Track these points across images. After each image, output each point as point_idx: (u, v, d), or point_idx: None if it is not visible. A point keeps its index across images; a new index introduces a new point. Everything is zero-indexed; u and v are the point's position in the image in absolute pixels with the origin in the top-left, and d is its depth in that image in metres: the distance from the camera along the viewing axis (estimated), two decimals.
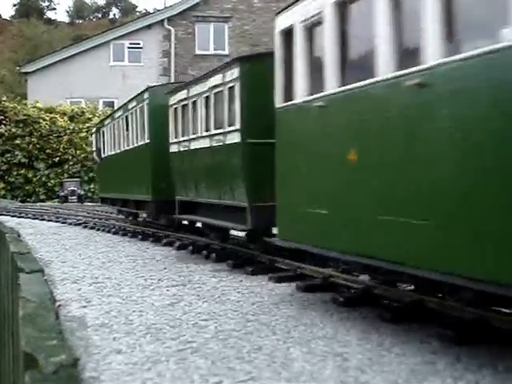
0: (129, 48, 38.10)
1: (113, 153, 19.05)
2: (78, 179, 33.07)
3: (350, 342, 5.44)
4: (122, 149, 17.39)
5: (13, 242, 12.09)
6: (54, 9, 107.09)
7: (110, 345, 5.40)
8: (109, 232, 16.47)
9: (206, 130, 10.99)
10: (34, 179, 33.71)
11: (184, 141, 12.22)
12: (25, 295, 6.49)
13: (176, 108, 12.68)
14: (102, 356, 5.06)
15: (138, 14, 76.18)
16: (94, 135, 23.07)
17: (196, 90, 11.57)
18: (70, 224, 19.27)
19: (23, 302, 6.17)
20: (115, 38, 38.05)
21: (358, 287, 7.38)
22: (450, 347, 5.25)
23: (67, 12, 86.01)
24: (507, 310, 5.93)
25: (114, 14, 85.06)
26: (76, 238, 14.90)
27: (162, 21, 38.11)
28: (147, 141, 14.37)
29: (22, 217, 22.29)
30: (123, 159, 17.46)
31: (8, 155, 33.46)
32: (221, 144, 10.26)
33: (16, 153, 33.45)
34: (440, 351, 5.15)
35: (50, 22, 77.81)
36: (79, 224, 18.93)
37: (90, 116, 34.93)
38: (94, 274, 9.34)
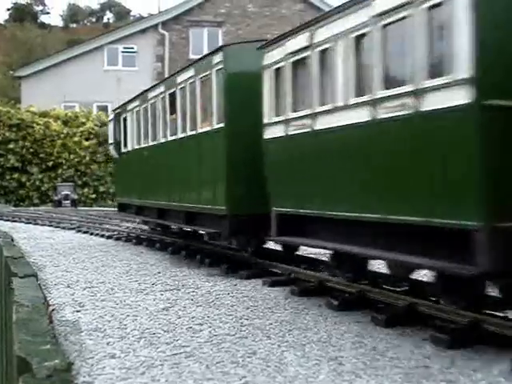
0: (123, 52, 38.10)
1: (144, 145, 14.21)
2: (71, 183, 32.99)
3: (344, 346, 5.44)
4: (163, 140, 12.71)
5: (6, 246, 12.04)
6: (48, 13, 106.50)
7: (104, 349, 5.38)
8: (102, 236, 16.43)
9: (360, 94, 6.64)
10: (28, 183, 33.60)
11: (299, 118, 7.83)
12: (18, 300, 6.46)
13: (280, 68, 8.29)
14: (95, 360, 5.05)
15: (132, 18, 76.12)
16: (110, 124, 17.57)
17: (330, 29, 7.18)
18: (64, 228, 19.22)
19: (17, 307, 6.14)
20: (109, 43, 38.03)
21: (351, 291, 7.38)
22: (444, 351, 5.25)
23: (61, 16, 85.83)
24: (501, 314, 5.95)
25: (108, 19, 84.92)
26: (70, 243, 14.86)
27: (156, 25, 38.12)
28: (220, 125, 9.73)
29: (15, 221, 22.22)
30: (165, 153, 12.69)
31: (1, 159, 33.33)
32: (406, 114, 5.95)
33: (9, 157, 33.33)
34: (434, 355, 5.16)
35: (43, 26, 77.62)
36: (73, 228, 18.88)
37: (84, 120, 34.88)
38: (87, 279, 9.31)
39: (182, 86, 11.38)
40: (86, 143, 34.08)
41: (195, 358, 5.13)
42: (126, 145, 15.96)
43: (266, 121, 8.63)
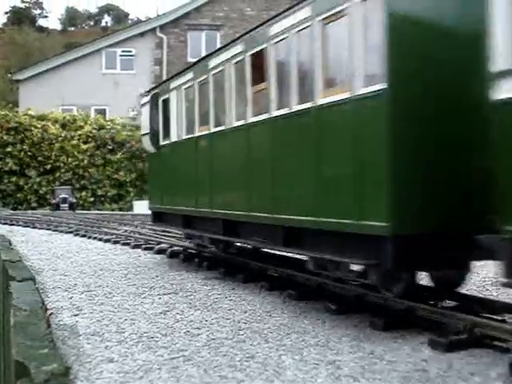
0: (121, 56, 38.17)
1: (201, 133, 10.25)
2: (69, 187, 32.98)
3: (342, 350, 5.44)
4: (237, 122, 8.89)
5: (4, 249, 12.03)
6: (46, 16, 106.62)
7: (102, 353, 5.38)
8: (100, 240, 16.41)
9: None
10: (26, 187, 33.61)
11: None
12: (16, 303, 6.46)
13: None
14: (93, 365, 5.05)
15: (130, 21, 76.22)
16: (144, 109, 13.00)
17: None
18: (62, 232, 19.19)
19: (14, 311, 6.14)
20: (107, 46, 38.11)
21: (349, 295, 7.38)
22: (442, 354, 5.25)
23: (59, 20, 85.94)
24: (499, 317, 5.96)
25: (106, 22, 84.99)
26: (67, 246, 14.84)
27: (155, 29, 38.22)
28: (375, 88, 5.94)
29: (13, 224, 22.19)
30: (241, 142, 8.81)
31: None
32: None
33: (7, 160, 33.36)
34: (432, 359, 5.16)
35: (41, 29, 77.65)
36: (71, 232, 18.86)
37: (82, 124, 34.89)
38: (85, 282, 9.31)
39: (282, 38, 7.65)
40: (84, 146, 34.10)
41: (193, 362, 5.13)
42: (167, 135, 11.89)
43: (500, 67, 4.64)
